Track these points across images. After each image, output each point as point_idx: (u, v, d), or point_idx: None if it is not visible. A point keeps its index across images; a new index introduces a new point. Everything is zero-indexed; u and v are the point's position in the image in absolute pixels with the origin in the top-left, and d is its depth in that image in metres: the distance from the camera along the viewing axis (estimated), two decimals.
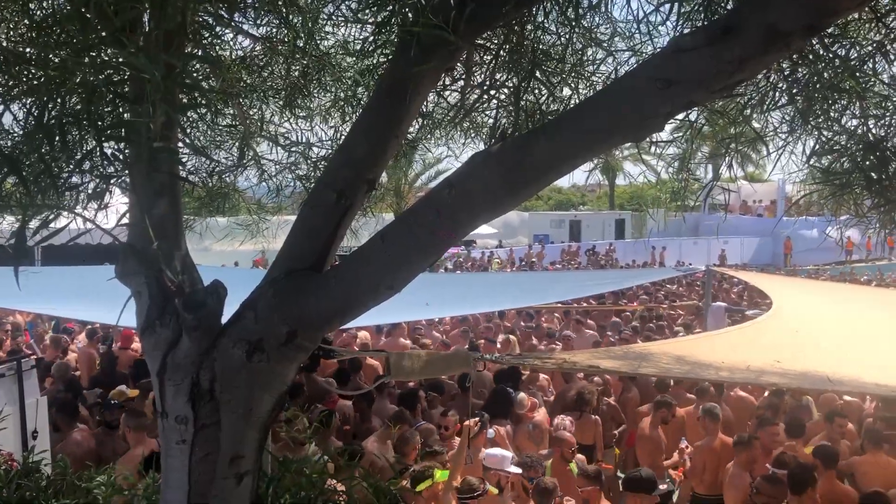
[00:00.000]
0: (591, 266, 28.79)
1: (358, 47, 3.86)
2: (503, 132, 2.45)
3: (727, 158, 3.49)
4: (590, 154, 2.38)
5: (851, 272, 26.54)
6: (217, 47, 3.23)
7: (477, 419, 4.89)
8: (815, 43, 3.25)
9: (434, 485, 4.58)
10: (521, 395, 7.13)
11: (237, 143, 4.26)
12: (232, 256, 18.72)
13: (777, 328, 6.33)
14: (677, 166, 3.92)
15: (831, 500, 5.24)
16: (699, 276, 14.00)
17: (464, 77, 3.63)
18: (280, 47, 3.59)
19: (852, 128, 3.15)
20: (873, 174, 2.93)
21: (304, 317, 2.48)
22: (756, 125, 3.56)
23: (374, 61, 3.71)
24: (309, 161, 4.50)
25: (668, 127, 2.84)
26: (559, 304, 13.30)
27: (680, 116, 3.10)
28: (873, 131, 3.15)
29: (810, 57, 3.28)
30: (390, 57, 3.03)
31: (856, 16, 3.29)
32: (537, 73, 2.93)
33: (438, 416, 6.73)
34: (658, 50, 2.26)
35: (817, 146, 2.95)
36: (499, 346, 10.08)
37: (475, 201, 2.35)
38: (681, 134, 3.47)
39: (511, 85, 3.21)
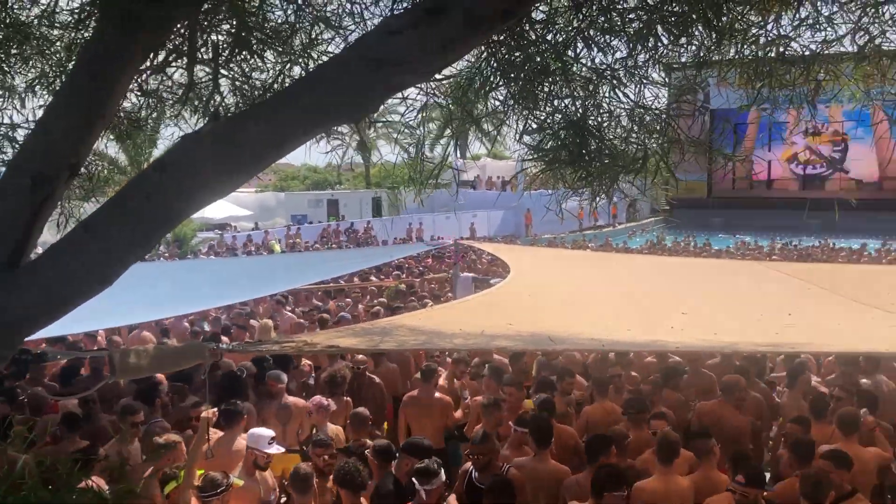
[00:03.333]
0: (351, 244, 29.02)
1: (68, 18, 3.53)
2: (216, 112, 2.35)
3: (454, 138, 3.66)
4: (307, 134, 2.36)
5: (583, 240, 29.26)
6: None
7: (214, 409, 4.68)
8: (527, 28, 3.50)
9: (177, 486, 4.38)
10: (277, 371, 6.97)
11: None
12: None
13: (513, 294, 6.81)
14: (415, 146, 4.04)
15: (560, 445, 5.75)
16: (450, 249, 14.63)
17: (187, 53, 3.44)
18: None
19: (558, 108, 3.44)
20: (576, 150, 3.23)
21: None
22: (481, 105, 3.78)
23: (83, 34, 3.41)
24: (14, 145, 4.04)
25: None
26: (320, 284, 13.25)
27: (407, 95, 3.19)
28: (576, 111, 3.47)
29: (523, 42, 3.52)
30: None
31: (564, 3, 3.60)
32: (253, 49, 2.83)
33: (190, 408, 6.44)
34: (370, 30, 2.30)
35: (527, 125, 3.18)
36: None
37: (189, 183, 2.24)
38: (414, 113, 3.58)
39: (233, 63, 3.11)
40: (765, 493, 4.86)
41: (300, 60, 3.45)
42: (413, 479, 4.76)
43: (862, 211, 34.05)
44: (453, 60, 2.32)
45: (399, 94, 2.56)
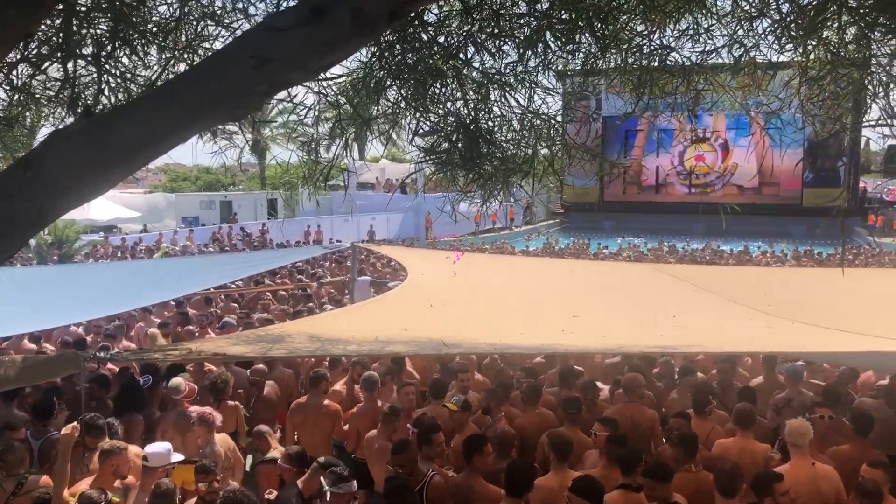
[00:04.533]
0: (246, 247, 28.28)
1: None
2: (87, 107, 2.22)
3: (345, 138, 3.60)
4: (186, 132, 2.26)
5: (482, 242, 29.62)
6: None
7: (75, 424, 4.36)
8: (419, 30, 3.49)
9: None
10: (177, 379, 6.69)
11: None
12: None
13: (410, 298, 6.79)
14: (307, 146, 3.96)
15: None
16: (347, 252, 14.48)
17: (62, 46, 3.26)
18: None
19: (450, 111, 3.45)
20: (467, 153, 3.25)
21: None
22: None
23: None
24: None
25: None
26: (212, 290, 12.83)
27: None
28: (468, 114, 3.49)
29: (415, 44, 3.51)
30: None
31: (458, 6, 3.61)
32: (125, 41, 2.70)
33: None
34: (253, 27, 2.23)
35: (419, 127, 3.17)
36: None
37: (59, 183, 2.10)
38: (306, 112, 3.50)
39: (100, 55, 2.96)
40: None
41: (185, 56, 3.32)
42: (322, 479, 4.69)
43: (744, 215, 36.17)
44: (340, 59, 2.28)
45: (286, 93, 2.50)
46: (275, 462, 5.43)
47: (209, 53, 3.17)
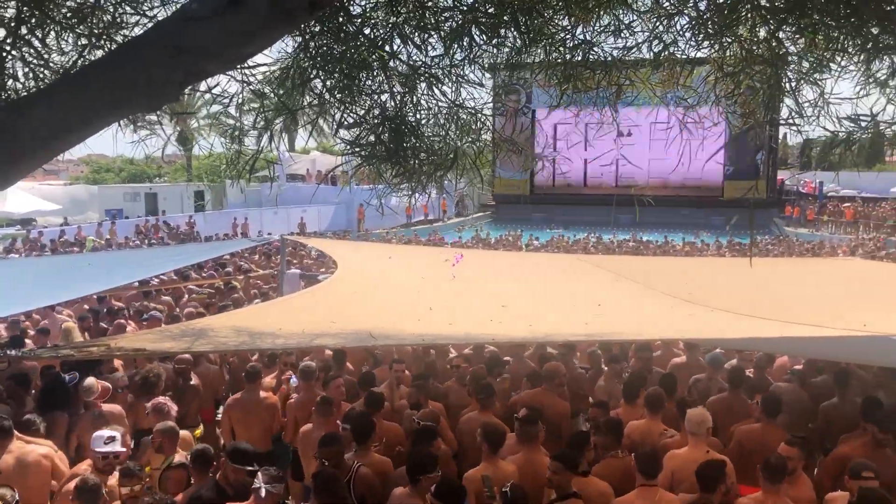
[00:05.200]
0: (172, 240, 27.55)
1: None
2: None
3: (268, 129, 3.54)
4: (100, 121, 2.20)
5: (415, 234, 29.61)
6: None
7: None
8: (344, 22, 3.47)
9: None
10: (90, 379, 6.49)
11: None
12: None
13: (339, 291, 6.74)
14: (231, 136, 3.88)
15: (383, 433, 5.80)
16: (276, 244, 14.29)
17: None
18: None
19: (376, 103, 3.44)
20: (393, 146, 3.24)
21: None
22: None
23: None
24: None
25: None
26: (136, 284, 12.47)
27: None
28: (394, 107, 3.49)
29: (341, 35, 3.48)
30: None
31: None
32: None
33: None
34: (169, 15, 2.18)
35: (343, 119, 3.15)
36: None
37: None
38: (228, 101, 3.43)
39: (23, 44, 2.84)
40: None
41: (101, 43, 3.21)
42: (258, 476, 4.64)
43: (667, 207, 37.16)
44: (260, 49, 2.25)
45: (206, 83, 2.45)
46: (184, 467, 5.35)
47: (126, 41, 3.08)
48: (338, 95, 3.17)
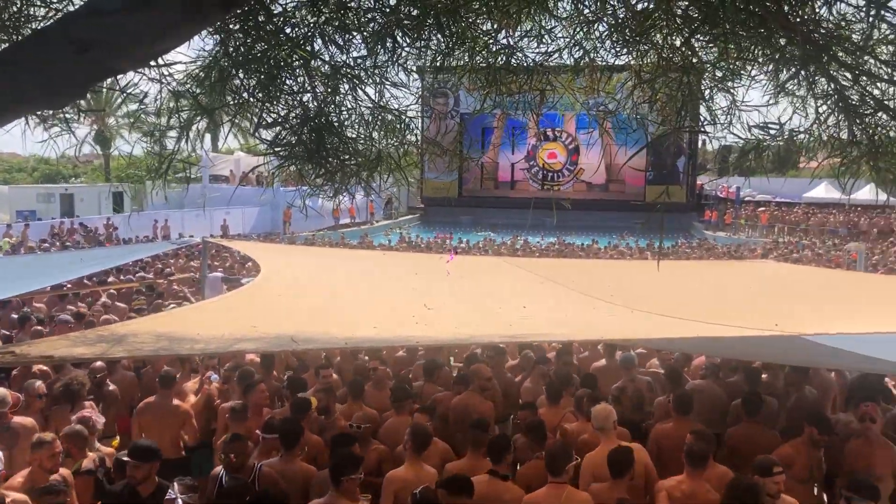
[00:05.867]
0: (89, 243, 26.57)
1: None
2: None
3: (185, 129, 3.45)
4: (1, 118, 2.09)
5: (342, 237, 29.38)
6: None
7: None
8: (264, 20, 3.40)
9: None
10: (1, 389, 6.19)
11: None
12: None
13: (262, 294, 6.62)
14: (150, 137, 3.76)
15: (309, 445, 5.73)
16: (197, 247, 13.94)
17: None
18: None
19: (297, 103, 3.39)
20: (313, 147, 3.20)
21: None
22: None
23: None
24: None
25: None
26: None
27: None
28: (315, 106, 3.44)
29: (261, 33, 3.41)
30: None
31: None
32: None
33: None
34: (75, 9, 2.09)
35: (262, 119, 3.09)
36: None
37: None
38: (140, 100, 3.32)
39: None
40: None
41: (3, 36, 3.06)
42: (174, 485, 4.55)
43: (593, 211, 37.92)
44: (172, 47, 2.17)
45: (114, 80, 2.36)
46: (91, 473, 5.21)
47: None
48: (259, 95, 3.11)
